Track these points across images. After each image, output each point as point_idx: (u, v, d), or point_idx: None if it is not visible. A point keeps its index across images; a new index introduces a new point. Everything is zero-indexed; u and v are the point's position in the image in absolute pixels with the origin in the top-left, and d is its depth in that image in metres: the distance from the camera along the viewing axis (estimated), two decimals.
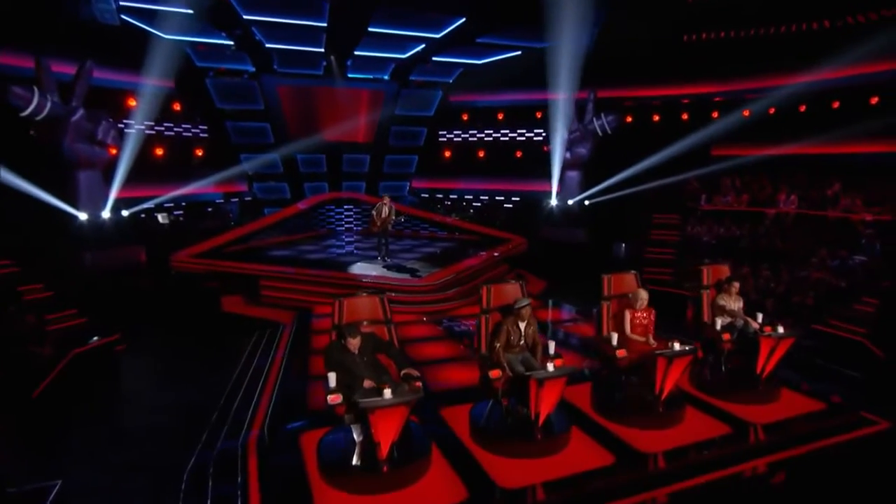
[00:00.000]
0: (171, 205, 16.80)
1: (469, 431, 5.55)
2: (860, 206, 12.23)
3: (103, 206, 13.14)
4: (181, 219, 16.98)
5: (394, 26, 15.22)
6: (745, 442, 5.52)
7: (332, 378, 4.83)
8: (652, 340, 6.07)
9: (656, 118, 18.26)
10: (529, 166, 19.61)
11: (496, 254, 14.24)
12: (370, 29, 15.12)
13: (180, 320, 10.97)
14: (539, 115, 19.94)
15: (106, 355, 8.98)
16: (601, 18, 14.24)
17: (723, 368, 6.61)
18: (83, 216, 12.72)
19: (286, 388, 7.23)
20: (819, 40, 14.33)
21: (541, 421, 5.15)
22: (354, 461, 4.81)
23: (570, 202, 17.20)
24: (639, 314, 6.10)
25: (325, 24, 14.52)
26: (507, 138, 21.17)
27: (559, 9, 13.56)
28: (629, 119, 18.22)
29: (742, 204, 14.56)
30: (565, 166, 17.13)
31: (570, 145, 16.87)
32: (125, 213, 13.98)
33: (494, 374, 5.29)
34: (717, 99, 17.02)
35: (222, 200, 18.64)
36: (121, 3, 12.72)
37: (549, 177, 17.40)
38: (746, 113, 15.88)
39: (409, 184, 22.02)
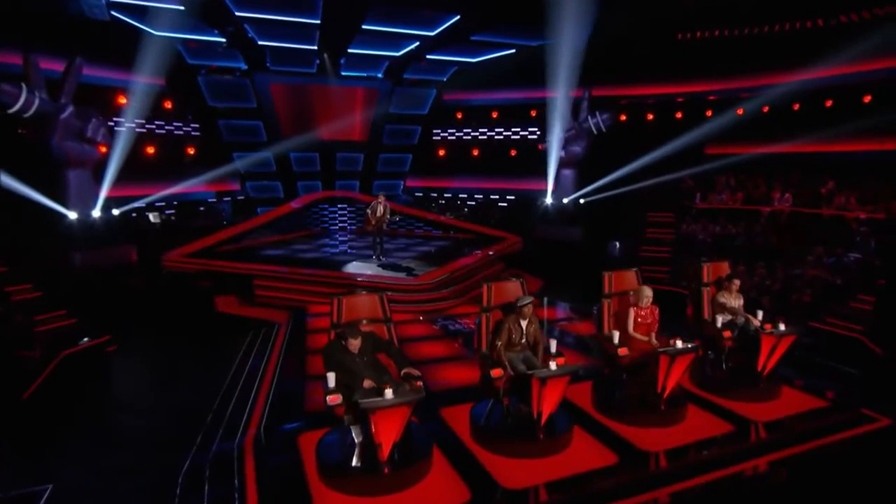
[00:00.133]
0: (163, 204, 16.61)
1: (470, 431, 5.47)
2: (854, 203, 12.29)
3: (93, 205, 12.94)
4: (173, 218, 16.79)
5: (388, 24, 15.11)
6: (749, 440, 5.48)
7: (332, 378, 4.74)
8: (654, 339, 6.01)
9: (650, 117, 18.27)
10: (524, 165, 19.58)
11: (491, 252, 14.18)
12: (364, 26, 15.00)
13: (173, 321, 10.81)
14: (534, 113, 19.94)
15: (97, 357, 8.82)
16: (596, 16, 14.20)
17: (723, 366, 6.57)
18: (73, 215, 12.51)
19: (282, 388, 7.12)
20: (812, 39, 14.39)
21: (543, 420, 5.08)
22: (354, 462, 4.72)
23: (565, 200, 17.18)
24: (642, 312, 6.04)
25: (318, 22, 14.39)
26: (501, 137, 21.13)
27: (554, 6, 13.52)
28: (623, 118, 18.22)
29: (737, 202, 14.60)
30: (560, 164, 17.10)
31: (564, 143, 16.84)
32: (116, 212, 13.79)
33: (496, 373, 5.21)
34: (712, 98, 17.05)
35: (215, 199, 18.45)
36: None
37: (543, 175, 17.37)
38: (740, 111, 15.93)
39: (402, 183, 21.92)
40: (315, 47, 16.70)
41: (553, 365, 5.04)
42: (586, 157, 17.10)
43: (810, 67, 13.96)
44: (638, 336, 6.05)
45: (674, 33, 16.43)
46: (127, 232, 13.80)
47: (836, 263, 10.99)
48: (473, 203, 20.65)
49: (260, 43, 16.10)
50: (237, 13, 13.73)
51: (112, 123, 14.74)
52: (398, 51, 17.56)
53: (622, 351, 5.81)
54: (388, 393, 4.39)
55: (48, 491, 4.75)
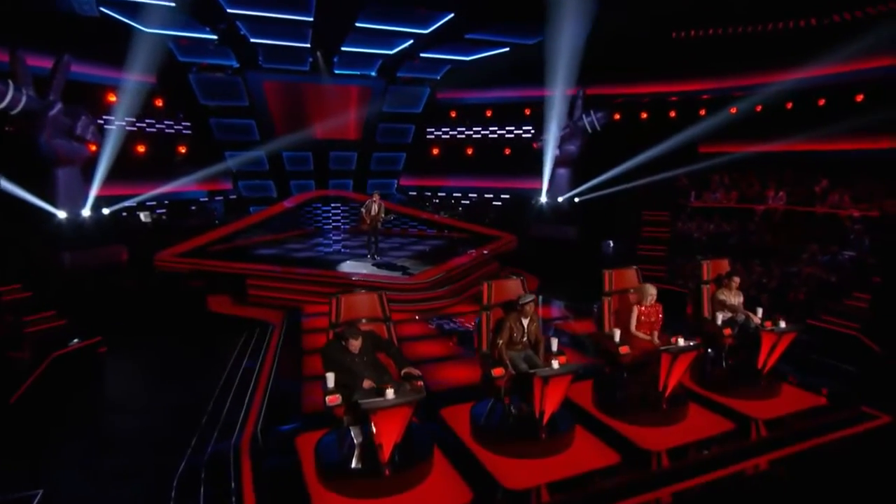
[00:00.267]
0: (154, 203, 16.40)
1: (470, 431, 5.41)
2: (848, 202, 12.34)
3: (83, 204, 12.73)
4: (164, 217, 16.58)
5: (381, 22, 14.99)
6: (751, 438, 5.47)
7: (331, 378, 4.66)
8: (657, 338, 5.96)
9: (644, 115, 18.28)
10: (518, 164, 19.54)
11: (485, 252, 14.13)
12: (357, 24, 14.88)
13: (165, 321, 10.63)
14: (528, 112, 19.93)
15: (88, 358, 8.64)
16: (590, 15, 14.18)
17: (723, 364, 6.55)
18: (62, 214, 12.31)
19: (279, 388, 7.03)
20: (806, 38, 14.43)
21: (545, 419, 5.02)
22: (354, 464, 4.65)
23: (560, 199, 17.15)
24: (646, 310, 6.00)
25: (311, 19, 14.26)
26: (495, 136, 21.06)
27: (548, 5, 13.47)
28: (617, 116, 18.21)
29: (731, 201, 14.63)
30: (555, 163, 17.06)
31: (559, 142, 16.81)
32: (106, 211, 13.58)
33: (497, 372, 5.15)
34: (705, 97, 17.08)
35: (206, 199, 18.25)
36: None
37: (538, 174, 17.33)
38: (734, 110, 15.97)
39: (396, 182, 21.81)
40: (308, 45, 16.55)
41: (555, 364, 4.99)
42: (581, 155, 17.08)
43: (803, 66, 14.01)
44: (640, 335, 6.00)
45: (668, 32, 16.43)
46: (117, 231, 13.59)
47: (830, 261, 11.03)
48: (467, 202, 20.57)
49: (252, 40, 15.92)
50: (229, 10, 13.55)
51: (102, 121, 14.53)
52: (392, 49, 17.45)
53: (623, 349, 5.77)
54: (390, 393, 4.32)
55: (39, 496, 4.63)
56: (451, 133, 21.60)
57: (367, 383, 4.66)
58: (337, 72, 18.97)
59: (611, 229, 15.76)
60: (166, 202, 16.86)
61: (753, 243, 12.77)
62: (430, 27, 15.39)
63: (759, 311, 6.53)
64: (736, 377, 6.35)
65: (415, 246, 15.72)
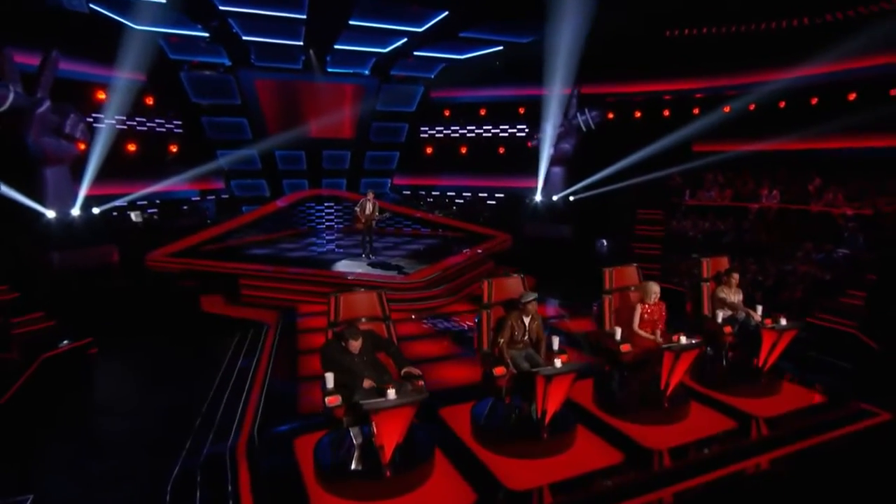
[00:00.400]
0: (145, 202, 16.17)
1: (471, 431, 5.34)
2: (842, 200, 12.39)
3: (72, 204, 12.52)
4: (155, 217, 16.35)
5: (375, 19, 14.87)
6: (753, 436, 5.44)
7: (330, 379, 4.57)
8: (660, 336, 5.91)
9: (638, 114, 18.30)
10: (512, 162, 19.49)
11: (479, 251, 14.07)
12: (351, 22, 14.76)
13: (157, 321, 10.47)
14: (522, 110, 19.87)
15: (78, 360, 8.49)
16: (585, 13, 14.14)
17: (724, 362, 6.52)
18: (51, 214, 12.10)
19: (275, 389, 6.91)
20: (798, 37, 14.49)
21: (548, 419, 4.96)
22: (354, 466, 4.56)
23: (555, 198, 17.12)
24: (649, 308, 5.95)
25: (304, 17, 14.12)
26: (489, 134, 20.99)
27: (543, 3, 13.42)
28: (611, 115, 18.21)
29: (726, 199, 14.66)
30: (549, 162, 17.04)
31: (555, 141, 16.78)
32: (96, 210, 13.36)
33: (499, 371, 5.08)
34: (699, 95, 17.12)
35: (198, 198, 18.03)
36: None
37: (532, 173, 17.30)
38: (727, 109, 16.01)
39: (390, 181, 21.70)
40: (301, 43, 16.41)
41: (557, 362, 4.93)
42: (575, 154, 17.06)
43: (796, 65, 14.08)
44: (643, 333, 5.95)
45: (661, 31, 16.44)
46: (108, 231, 13.37)
47: (825, 259, 11.06)
48: (462, 201, 20.49)
49: (244, 38, 15.74)
50: (221, 7, 13.37)
51: (91, 120, 14.28)
52: (385, 47, 17.32)
53: (624, 347, 5.72)
54: (391, 393, 4.23)
55: (29, 501, 4.51)
56: (444, 132, 21.49)
57: (367, 382, 4.58)
58: (330, 70, 18.83)
59: (605, 228, 15.75)
60: (157, 202, 16.63)
61: (748, 241, 12.79)
62: (424, 25, 15.29)
63: (759, 308, 6.51)
64: (736, 375, 6.32)
65: (409, 245, 15.63)
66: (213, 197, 18.50)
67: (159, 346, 9.41)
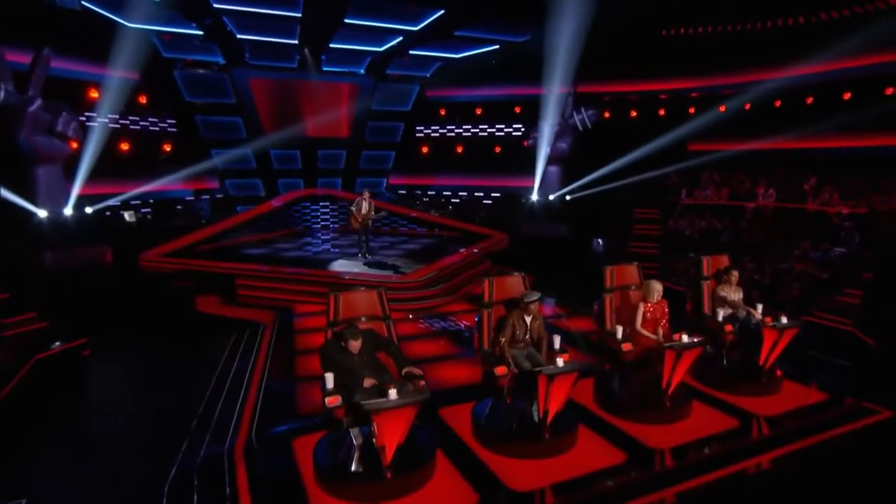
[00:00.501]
0: (139, 202, 16.04)
1: (472, 431, 5.29)
2: (837, 199, 12.43)
3: (64, 203, 12.38)
4: (149, 217, 16.22)
5: (370, 18, 14.81)
6: (755, 435, 5.41)
7: (330, 379, 4.50)
8: (662, 335, 5.87)
9: (634, 114, 18.31)
10: (508, 162, 19.46)
11: (476, 250, 14.03)
12: (346, 20, 14.68)
13: (151, 322, 10.36)
14: (518, 110, 19.84)
15: (71, 361, 8.35)
16: (581, 12, 14.13)
17: (724, 361, 6.50)
18: (43, 213, 11.96)
19: (272, 390, 6.83)
20: (794, 37, 14.55)
21: (549, 419, 4.91)
22: (354, 467, 4.50)
23: (551, 197, 17.11)
24: (651, 307, 5.91)
25: (299, 15, 14.03)
26: (485, 133, 20.96)
27: (539, 2, 13.40)
28: (607, 115, 18.21)
29: (722, 198, 14.69)
30: (546, 161, 17.02)
31: (551, 140, 16.76)
32: (89, 210, 13.22)
33: (500, 370, 5.03)
34: (695, 95, 17.15)
35: (193, 198, 17.89)
36: None
37: (528, 172, 17.28)
38: (723, 108, 16.05)
39: (385, 180, 21.62)
40: (296, 42, 16.31)
41: (560, 361, 4.88)
42: (572, 153, 17.05)
43: (792, 65, 14.13)
44: (645, 332, 5.91)
45: (657, 30, 16.46)
46: (101, 231, 13.24)
47: (821, 258, 11.08)
48: (458, 200, 20.44)
49: (239, 36, 15.65)
50: (215, 5, 13.28)
51: (84, 118, 14.14)
52: (381, 46, 17.26)
53: (626, 346, 5.68)
54: (392, 393, 4.17)
55: None
56: (440, 131, 21.46)
57: (367, 382, 4.52)
58: (325, 69, 18.74)
59: (602, 227, 15.74)
60: (151, 201, 16.50)
61: (745, 240, 12.80)
62: (419, 24, 15.24)
63: (760, 306, 6.49)
64: (737, 374, 6.30)
65: (405, 245, 15.57)
66: (208, 196, 18.37)
67: (154, 346, 9.29)
